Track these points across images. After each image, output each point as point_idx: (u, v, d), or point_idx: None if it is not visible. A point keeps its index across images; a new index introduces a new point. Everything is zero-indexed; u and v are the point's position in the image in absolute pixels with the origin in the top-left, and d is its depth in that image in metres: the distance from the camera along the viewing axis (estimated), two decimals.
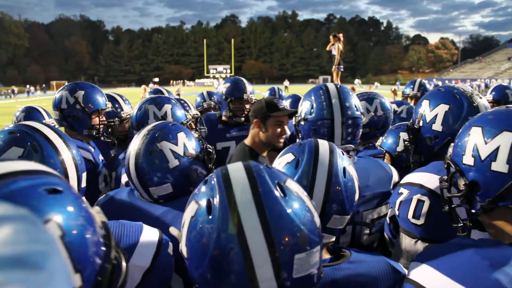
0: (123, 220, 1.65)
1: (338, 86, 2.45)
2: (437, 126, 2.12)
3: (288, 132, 3.30)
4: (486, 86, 52.67)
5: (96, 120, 3.26)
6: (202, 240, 1.04)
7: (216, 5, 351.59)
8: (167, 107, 3.08)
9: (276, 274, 0.99)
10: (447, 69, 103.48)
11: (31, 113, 4.29)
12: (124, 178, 2.89)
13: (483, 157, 1.34)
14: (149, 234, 1.60)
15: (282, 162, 1.64)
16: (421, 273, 1.35)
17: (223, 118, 4.41)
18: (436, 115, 2.12)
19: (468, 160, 1.40)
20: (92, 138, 3.29)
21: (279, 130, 3.18)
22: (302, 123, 2.44)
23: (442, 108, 2.12)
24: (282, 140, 3.22)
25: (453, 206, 1.54)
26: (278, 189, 1.07)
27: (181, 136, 2.15)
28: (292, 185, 1.12)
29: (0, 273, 0.44)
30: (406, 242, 2.00)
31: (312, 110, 2.37)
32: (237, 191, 1.05)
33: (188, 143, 2.15)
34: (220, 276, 1.02)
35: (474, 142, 1.38)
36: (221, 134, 4.38)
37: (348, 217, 1.61)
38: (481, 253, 1.28)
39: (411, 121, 2.37)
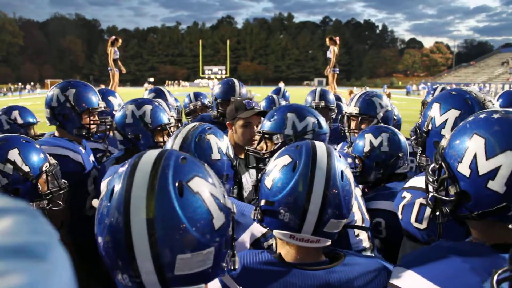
0: None
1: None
2: (447, 132, 2.02)
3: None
4: (480, 91, 52.71)
5: (87, 120, 3.16)
6: (101, 222, 1.08)
7: (212, 6, 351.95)
8: (147, 107, 2.97)
9: (157, 270, 1.02)
10: (442, 73, 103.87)
11: (25, 111, 4.12)
12: (102, 186, 2.83)
13: (481, 173, 1.28)
14: None
15: (278, 164, 1.60)
16: (404, 278, 1.34)
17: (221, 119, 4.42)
18: (446, 120, 2.04)
19: (463, 169, 1.34)
20: (82, 138, 3.22)
21: (246, 131, 3.13)
22: None
23: (453, 114, 2.03)
24: (254, 142, 3.10)
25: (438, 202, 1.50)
26: (176, 188, 1.06)
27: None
28: (197, 184, 1.11)
29: (3, 262, 0.44)
30: (410, 246, 1.99)
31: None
32: (135, 184, 1.06)
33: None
34: (110, 259, 1.07)
35: (474, 153, 1.31)
36: None
37: (345, 221, 1.59)
38: (462, 256, 1.28)
39: (419, 122, 2.32)
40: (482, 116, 1.40)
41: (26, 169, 2.18)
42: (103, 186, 2.70)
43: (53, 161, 2.34)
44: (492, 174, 1.25)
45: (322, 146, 1.62)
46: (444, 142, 1.50)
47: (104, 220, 1.07)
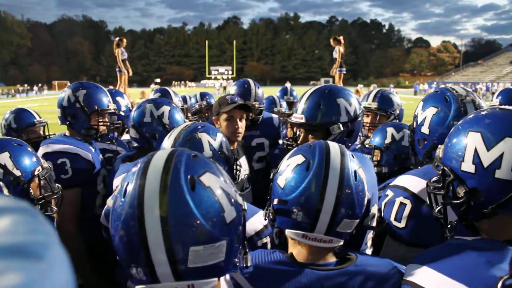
0: None
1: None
2: (425, 129, 2.11)
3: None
4: (487, 90, 52.52)
5: (95, 121, 3.21)
6: (116, 219, 1.12)
7: (218, 6, 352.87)
8: (166, 108, 3.00)
9: (171, 262, 1.06)
10: (449, 72, 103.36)
11: (21, 114, 4.12)
12: (115, 184, 2.83)
13: (485, 165, 1.29)
14: None
15: (291, 163, 1.60)
16: (419, 274, 1.34)
17: None
18: (425, 118, 2.11)
19: (468, 167, 1.35)
20: (91, 138, 3.26)
21: (230, 124, 3.24)
22: None
23: (431, 111, 2.10)
24: (238, 135, 3.28)
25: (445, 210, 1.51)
26: (188, 183, 1.11)
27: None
28: (208, 179, 1.15)
29: (0, 261, 0.44)
30: (390, 244, 2.01)
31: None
32: (148, 180, 1.10)
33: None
34: (125, 254, 1.11)
35: (474, 148, 1.33)
36: None
37: (357, 221, 1.58)
38: (477, 251, 1.28)
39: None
40: (471, 116, 1.44)
41: (17, 173, 2.11)
42: (117, 183, 2.73)
43: (46, 164, 2.28)
44: (497, 163, 1.27)
45: (336, 146, 1.62)
46: (439, 152, 1.52)
47: (119, 217, 1.10)
